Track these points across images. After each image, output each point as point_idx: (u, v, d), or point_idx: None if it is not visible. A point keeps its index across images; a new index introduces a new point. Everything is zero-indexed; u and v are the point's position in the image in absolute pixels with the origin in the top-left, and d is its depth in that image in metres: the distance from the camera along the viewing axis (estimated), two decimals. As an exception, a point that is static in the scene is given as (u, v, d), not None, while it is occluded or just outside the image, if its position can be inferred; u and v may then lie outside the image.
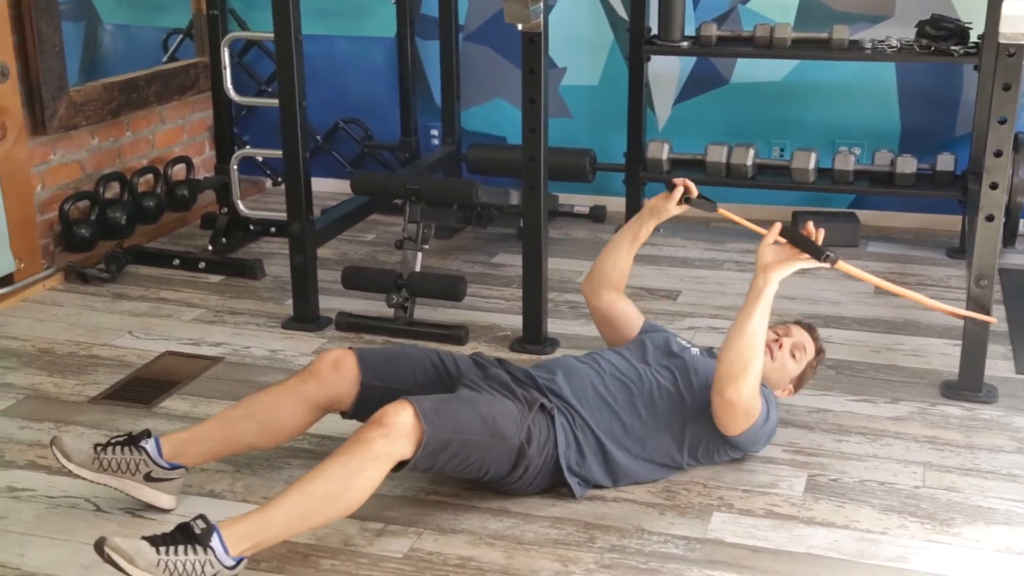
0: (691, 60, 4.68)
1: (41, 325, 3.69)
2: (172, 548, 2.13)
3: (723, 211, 2.90)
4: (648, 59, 4.47)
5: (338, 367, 2.60)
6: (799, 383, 2.83)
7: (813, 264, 2.53)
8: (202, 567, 2.13)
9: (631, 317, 2.98)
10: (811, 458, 2.80)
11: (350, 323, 3.61)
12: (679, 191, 2.88)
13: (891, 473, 2.72)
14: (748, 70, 4.66)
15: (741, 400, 2.51)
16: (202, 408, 3.07)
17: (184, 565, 2.12)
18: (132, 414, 3.03)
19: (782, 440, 2.85)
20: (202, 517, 2.19)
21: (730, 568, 2.34)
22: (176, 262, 4.20)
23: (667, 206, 2.91)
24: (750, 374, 2.50)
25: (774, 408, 2.69)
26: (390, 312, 3.61)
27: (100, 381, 3.25)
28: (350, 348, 2.66)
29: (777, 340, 2.76)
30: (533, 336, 3.46)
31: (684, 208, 2.91)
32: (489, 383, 2.59)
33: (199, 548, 2.14)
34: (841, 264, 2.55)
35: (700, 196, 2.91)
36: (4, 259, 3.83)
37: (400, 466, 2.34)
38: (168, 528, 2.20)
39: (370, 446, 2.28)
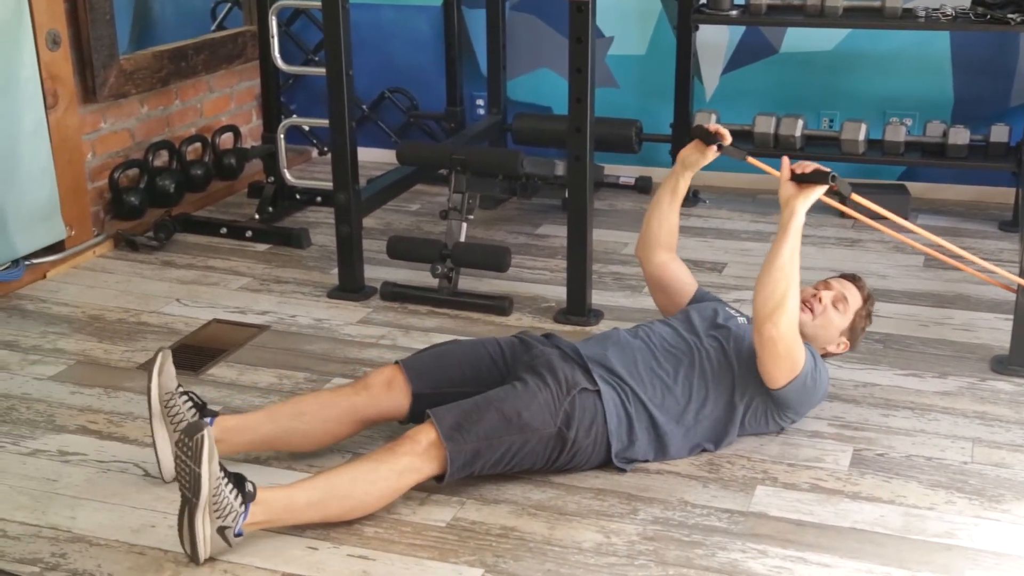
0: (740, 29, 4.62)
1: (91, 292, 3.74)
2: (227, 481, 2.21)
3: (751, 159, 2.87)
4: (696, 28, 4.42)
5: (391, 386, 2.62)
6: (852, 335, 2.80)
7: (824, 189, 2.56)
8: (228, 514, 2.21)
9: (684, 283, 2.97)
10: (857, 432, 2.77)
11: (395, 293, 3.62)
12: (704, 133, 2.83)
13: (939, 448, 2.70)
14: (798, 39, 4.59)
15: (780, 335, 2.50)
16: (248, 376, 3.10)
17: (224, 501, 2.20)
18: (180, 381, 3.05)
19: (828, 414, 2.83)
20: (252, 483, 2.25)
21: (773, 542, 2.33)
22: (223, 231, 4.23)
23: (697, 156, 2.88)
24: (787, 307, 2.50)
25: (822, 368, 2.67)
26: (435, 282, 3.62)
27: (149, 348, 3.29)
28: (397, 364, 2.66)
29: (815, 295, 2.75)
30: (577, 307, 3.45)
31: (715, 156, 2.86)
32: (532, 367, 2.57)
33: (240, 499, 2.22)
34: (856, 196, 2.61)
35: (732, 144, 2.88)
36: (55, 226, 3.89)
37: (440, 478, 2.42)
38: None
39: (399, 460, 2.37)
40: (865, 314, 2.83)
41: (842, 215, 4.38)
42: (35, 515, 2.44)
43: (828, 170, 2.55)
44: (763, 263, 2.57)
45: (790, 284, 2.52)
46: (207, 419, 2.51)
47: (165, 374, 2.50)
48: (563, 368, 2.54)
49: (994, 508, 2.45)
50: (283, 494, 2.30)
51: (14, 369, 3.16)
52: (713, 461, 2.63)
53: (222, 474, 2.20)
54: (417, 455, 2.37)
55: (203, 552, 2.23)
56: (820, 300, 2.74)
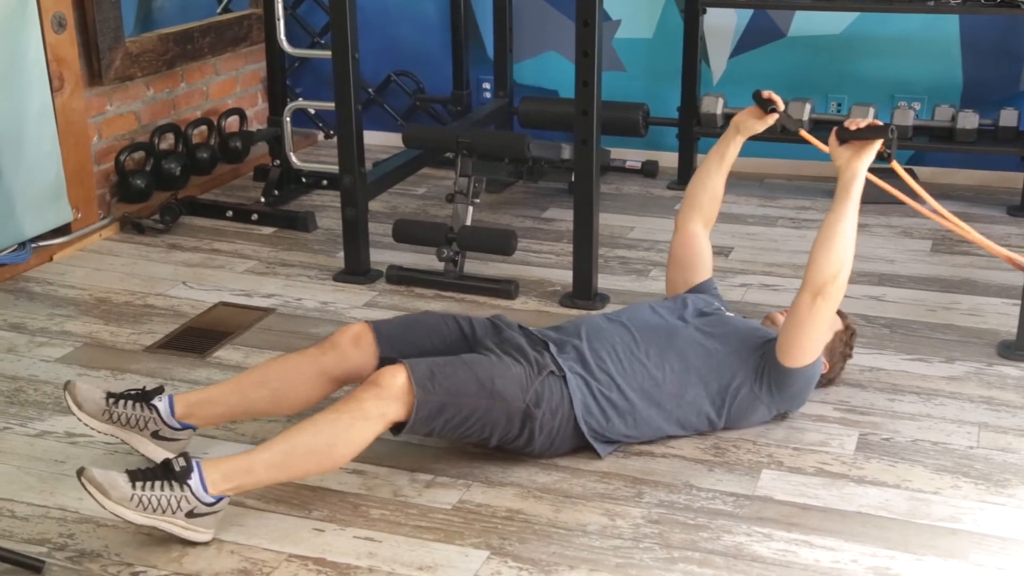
0: (748, 12, 4.60)
1: (98, 274, 3.74)
2: (149, 484, 2.19)
3: (804, 133, 2.82)
4: (704, 11, 4.40)
5: (358, 342, 2.58)
6: (831, 357, 2.78)
7: (879, 144, 2.51)
8: (178, 503, 2.19)
9: (702, 266, 2.94)
10: (863, 417, 2.77)
11: (400, 276, 3.62)
12: (763, 100, 2.80)
13: (945, 433, 2.69)
14: (806, 23, 4.57)
15: (831, 301, 2.48)
16: (254, 358, 3.11)
17: (159, 500, 2.18)
18: (186, 363, 3.08)
19: (833, 398, 2.83)
20: (184, 455, 2.23)
21: (778, 525, 2.34)
22: (229, 214, 4.24)
23: (753, 121, 2.84)
24: (843, 274, 2.48)
25: (819, 371, 2.66)
26: (440, 266, 3.61)
27: (155, 330, 3.29)
28: (366, 323, 2.64)
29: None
30: (583, 291, 3.45)
31: (771, 122, 2.83)
32: (502, 347, 2.56)
33: (175, 485, 2.19)
34: (895, 165, 2.58)
35: (787, 112, 2.84)
36: (62, 209, 3.89)
37: (398, 429, 2.37)
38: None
39: (362, 405, 2.31)
40: (846, 339, 2.82)
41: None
42: (43, 496, 2.45)
43: (884, 126, 2.51)
44: (821, 228, 2.53)
45: (850, 251, 2.49)
46: (159, 394, 2.48)
47: (86, 401, 2.45)
48: (532, 352, 2.52)
49: (1000, 493, 2.45)
50: (243, 459, 2.27)
51: (21, 351, 3.17)
52: (718, 445, 2.63)
53: (133, 485, 2.16)
54: (383, 399, 2.30)
55: (198, 538, 2.23)
56: None
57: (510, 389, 2.43)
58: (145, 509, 2.17)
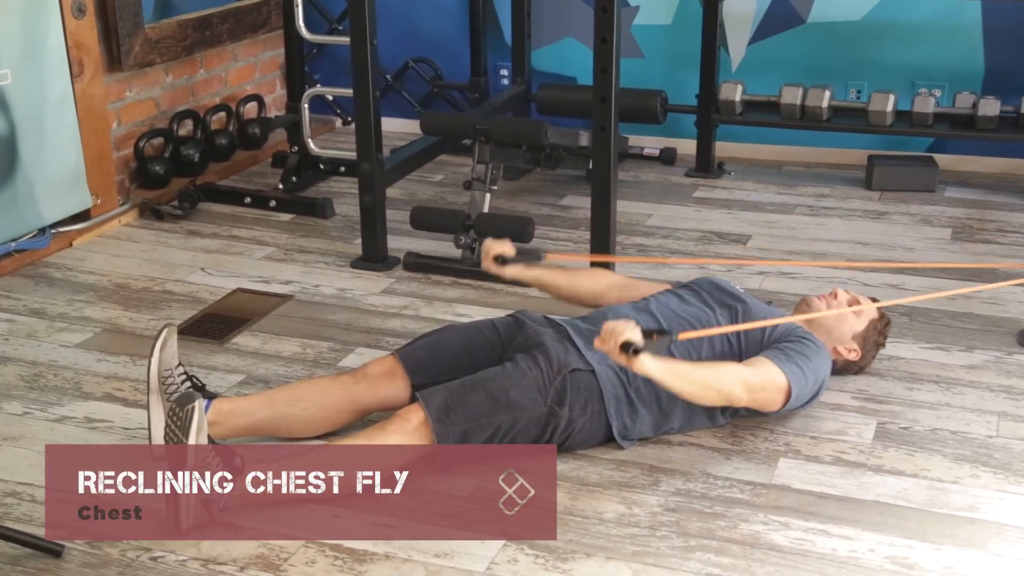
0: (767, -2, 4.58)
1: (117, 260, 3.76)
2: (215, 456, 2.25)
3: (552, 256, 2.80)
4: (723, -3, 4.38)
5: (392, 377, 2.61)
6: (864, 345, 2.78)
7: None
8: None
9: (645, 291, 2.87)
10: (881, 405, 2.76)
11: (418, 263, 3.62)
12: (490, 261, 2.81)
13: (964, 422, 2.68)
14: (826, 8, 4.54)
15: (752, 401, 2.48)
16: (272, 345, 3.12)
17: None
18: (205, 349, 3.09)
19: (851, 387, 2.82)
20: (242, 458, 2.28)
21: (796, 514, 2.33)
22: (247, 200, 4.24)
23: (503, 271, 2.84)
24: (727, 391, 2.43)
25: (818, 365, 2.59)
26: (458, 253, 3.62)
27: (174, 316, 3.31)
28: (395, 356, 2.65)
29: (832, 293, 2.78)
30: (601, 278, 3.44)
31: (516, 269, 2.83)
32: (525, 348, 2.55)
33: (228, 474, 2.25)
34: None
35: (519, 253, 2.82)
36: (81, 195, 3.91)
37: None
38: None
39: (388, 438, 2.39)
40: (881, 328, 2.82)
41: (868, 187, 4.35)
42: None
43: (629, 342, 2.25)
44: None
45: (712, 384, 2.42)
46: (206, 400, 2.50)
47: (167, 351, 2.49)
48: (556, 349, 2.52)
49: (1019, 482, 2.44)
50: (270, 472, 2.28)
51: (41, 336, 3.19)
52: (736, 433, 2.63)
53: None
54: (407, 433, 2.38)
55: (185, 522, 2.24)
56: (836, 297, 2.76)
57: (527, 396, 2.45)
58: (197, 469, 2.21)
